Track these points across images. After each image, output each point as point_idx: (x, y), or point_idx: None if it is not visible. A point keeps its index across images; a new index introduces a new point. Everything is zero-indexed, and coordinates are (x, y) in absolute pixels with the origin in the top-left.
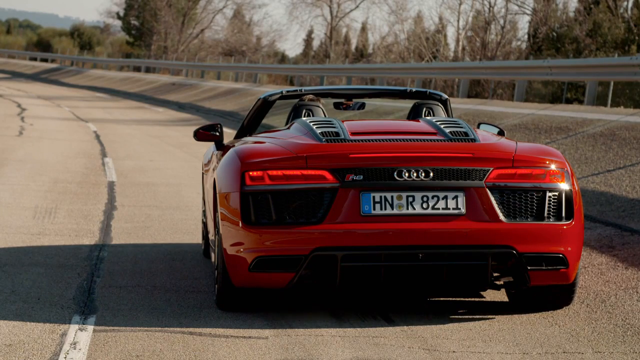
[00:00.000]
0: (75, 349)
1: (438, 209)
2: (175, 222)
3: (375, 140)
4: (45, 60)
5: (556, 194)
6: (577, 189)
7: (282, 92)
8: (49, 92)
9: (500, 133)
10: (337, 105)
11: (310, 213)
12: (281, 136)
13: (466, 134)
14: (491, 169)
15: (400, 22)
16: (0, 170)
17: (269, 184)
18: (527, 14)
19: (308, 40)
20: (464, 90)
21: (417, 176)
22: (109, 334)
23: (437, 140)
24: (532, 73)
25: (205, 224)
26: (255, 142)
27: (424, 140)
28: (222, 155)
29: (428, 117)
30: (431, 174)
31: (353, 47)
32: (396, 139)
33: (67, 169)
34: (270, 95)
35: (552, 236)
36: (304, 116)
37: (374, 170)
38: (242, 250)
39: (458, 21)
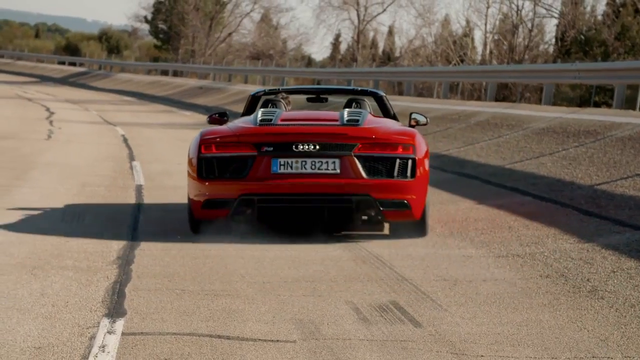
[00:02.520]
0: (104, 352)
1: (322, 170)
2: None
3: (290, 124)
4: (73, 64)
5: (404, 161)
6: (421, 157)
7: (265, 90)
8: (77, 96)
9: (422, 123)
10: (309, 100)
11: (239, 172)
12: (238, 122)
13: (356, 120)
14: (358, 144)
15: (427, 25)
16: (29, 173)
17: (215, 152)
18: (555, 17)
19: (335, 44)
20: (492, 93)
21: (308, 148)
22: (137, 337)
23: (330, 125)
24: (559, 76)
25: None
26: (219, 126)
27: (321, 125)
28: None
29: (347, 109)
30: (317, 147)
31: (380, 50)
32: (303, 124)
33: (96, 172)
34: (257, 93)
35: (398, 188)
36: (268, 107)
37: (280, 144)
38: (197, 195)
39: (485, 24)
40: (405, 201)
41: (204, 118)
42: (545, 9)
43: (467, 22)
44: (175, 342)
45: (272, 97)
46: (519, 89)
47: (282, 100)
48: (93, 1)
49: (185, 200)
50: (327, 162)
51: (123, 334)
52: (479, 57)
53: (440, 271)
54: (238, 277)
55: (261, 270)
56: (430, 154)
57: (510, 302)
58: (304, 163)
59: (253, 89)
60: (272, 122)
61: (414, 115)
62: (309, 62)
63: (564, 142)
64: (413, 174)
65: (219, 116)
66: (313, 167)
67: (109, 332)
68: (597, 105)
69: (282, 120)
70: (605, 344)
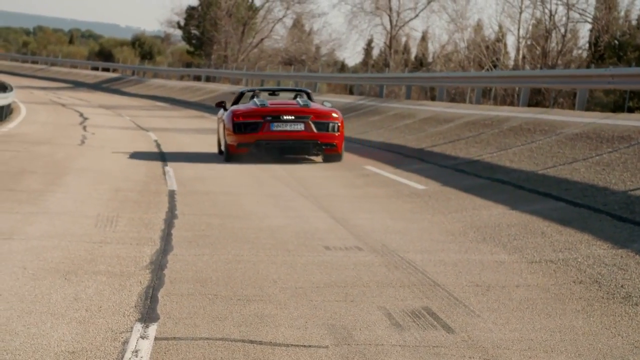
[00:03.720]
0: (137, 357)
1: (295, 128)
2: (235, 231)
3: (277, 106)
4: (106, 69)
5: (334, 123)
6: (341, 122)
7: (248, 89)
8: (110, 102)
9: (329, 106)
10: (270, 94)
11: (254, 129)
12: (247, 105)
13: (307, 104)
14: (311, 115)
15: (460, 30)
16: (63, 178)
17: (241, 120)
18: (589, 22)
19: (367, 49)
20: (525, 99)
21: (288, 118)
22: (170, 342)
23: (296, 106)
24: (593, 82)
25: (219, 142)
26: (238, 108)
27: (292, 106)
28: (224, 112)
29: (297, 99)
30: (293, 117)
31: (413, 56)
32: (283, 106)
33: (128, 177)
34: (243, 91)
35: (331, 137)
36: (253, 99)
37: (274, 116)
38: (232, 141)
39: (518, 30)
40: (334, 143)
41: None
42: (579, 13)
43: (500, 27)
44: (207, 347)
45: (251, 93)
46: (552, 94)
47: (260, 95)
48: (126, 7)
49: (217, 205)
50: (297, 124)
51: (156, 339)
52: (511, 62)
53: (473, 277)
54: (270, 282)
55: (293, 276)
56: (463, 159)
57: (543, 308)
58: (286, 125)
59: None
60: (265, 105)
61: (325, 102)
62: (342, 67)
63: (597, 148)
64: (338, 130)
65: (221, 103)
66: (291, 127)
67: (142, 337)
68: (630, 110)
69: (271, 104)
70: (639, 350)
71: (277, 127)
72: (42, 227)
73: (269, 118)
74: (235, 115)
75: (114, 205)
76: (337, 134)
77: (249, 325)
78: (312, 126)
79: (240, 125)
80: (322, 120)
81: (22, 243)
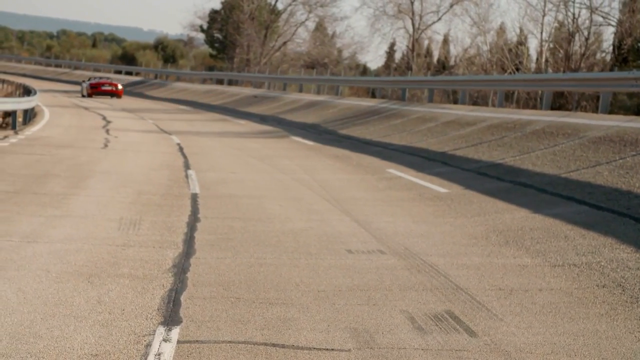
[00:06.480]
0: None
1: (110, 88)
2: (257, 234)
3: (99, 82)
4: (129, 73)
5: (119, 89)
6: (122, 88)
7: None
8: (133, 105)
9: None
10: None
11: (95, 87)
12: (84, 85)
13: (111, 80)
14: (121, 87)
15: (482, 34)
16: (86, 182)
17: (93, 83)
18: (612, 25)
19: (390, 53)
20: (547, 102)
21: (107, 88)
22: (192, 345)
23: (111, 81)
24: (616, 85)
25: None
26: (87, 82)
27: (108, 80)
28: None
29: (107, 79)
30: (111, 88)
31: (435, 59)
32: (103, 80)
33: (151, 180)
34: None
35: (119, 91)
36: (87, 81)
37: (97, 88)
38: (87, 88)
39: (541, 33)
40: (119, 94)
41: (258, 127)
42: (602, 16)
43: (522, 30)
44: (230, 350)
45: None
46: (575, 97)
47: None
48: (150, 11)
49: (239, 208)
50: (111, 88)
51: (178, 342)
52: (533, 66)
53: (496, 280)
54: (293, 285)
55: (316, 279)
56: (485, 162)
57: (566, 311)
58: (106, 93)
59: (308, 97)
60: (93, 80)
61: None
62: (364, 70)
63: (620, 151)
64: (120, 91)
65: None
66: (108, 89)
67: (165, 340)
68: None
69: (96, 82)
70: None
71: (99, 94)
72: (66, 230)
73: (96, 89)
74: (91, 85)
75: (137, 208)
76: (120, 89)
77: (271, 329)
78: (120, 88)
79: (95, 85)
80: (117, 88)
81: (46, 246)
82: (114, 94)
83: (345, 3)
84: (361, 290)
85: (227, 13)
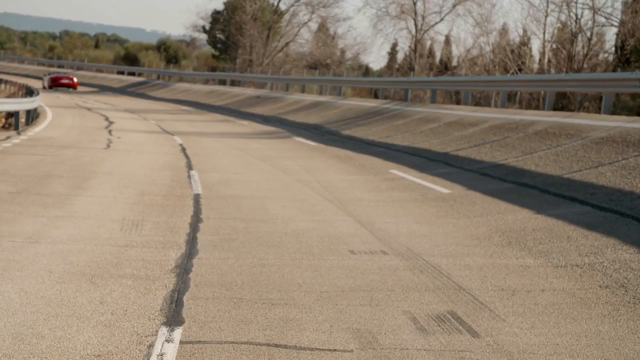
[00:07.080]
0: None
1: (68, 81)
2: (260, 235)
3: (58, 75)
4: (132, 73)
5: (74, 81)
6: (77, 81)
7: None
8: (135, 105)
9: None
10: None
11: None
12: (45, 78)
13: (69, 74)
14: (74, 79)
15: (485, 34)
16: (89, 182)
17: (52, 83)
18: (615, 26)
19: (392, 53)
20: (550, 103)
21: (65, 82)
22: (195, 346)
23: (69, 75)
24: (619, 85)
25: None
26: (47, 77)
27: (67, 75)
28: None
29: (66, 74)
30: (68, 81)
31: (437, 59)
32: (63, 75)
33: (154, 181)
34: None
35: (74, 83)
36: (48, 75)
37: (58, 81)
38: (48, 81)
39: (544, 33)
40: (74, 86)
41: (261, 127)
42: (605, 17)
43: (525, 31)
44: (232, 350)
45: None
46: (577, 98)
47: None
48: (152, 12)
49: (242, 208)
50: (68, 81)
51: (181, 342)
52: (536, 66)
53: (498, 281)
54: (295, 286)
55: (318, 280)
56: (488, 163)
57: (569, 312)
58: (64, 85)
59: (310, 98)
60: (53, 74)
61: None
62: (366, 71)
63: (623, 152)
64: (74, 82)
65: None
66: (66, 82)
67: (167, 341)
68: None
69: (55, 76)
70: None
71: (59, 87)
72: (68, 230)
73: (56, 83)
74: (52, 79)
75: (140, 209)
76: (77, 82)
77: (274, 329)
78: (75, 81)
79: (55, 79)
80: (73, 81)
81: (49, 247)
82: (70, 86)
83: (347, 4)
84: (364, 290)
85: (229, 14)
